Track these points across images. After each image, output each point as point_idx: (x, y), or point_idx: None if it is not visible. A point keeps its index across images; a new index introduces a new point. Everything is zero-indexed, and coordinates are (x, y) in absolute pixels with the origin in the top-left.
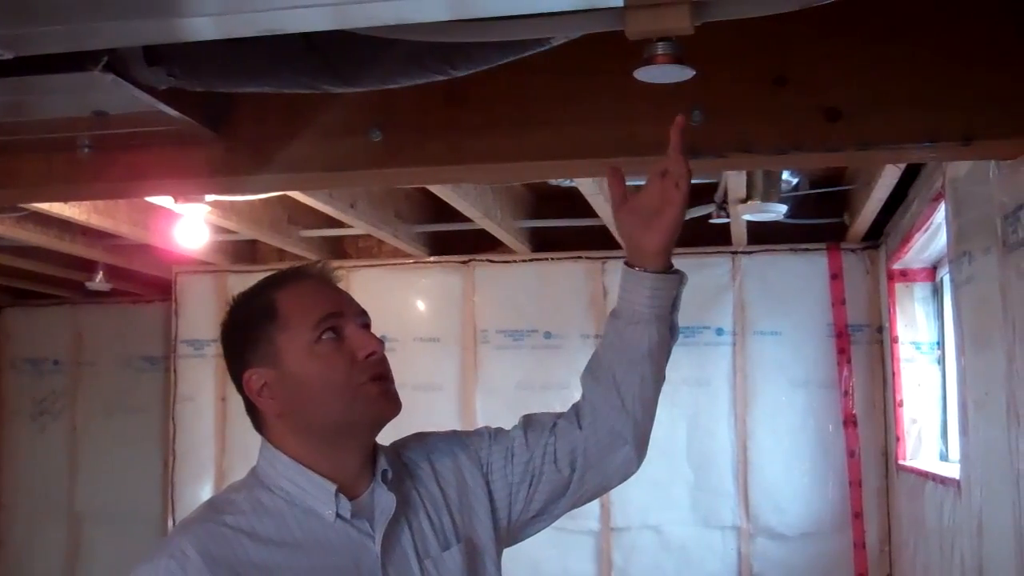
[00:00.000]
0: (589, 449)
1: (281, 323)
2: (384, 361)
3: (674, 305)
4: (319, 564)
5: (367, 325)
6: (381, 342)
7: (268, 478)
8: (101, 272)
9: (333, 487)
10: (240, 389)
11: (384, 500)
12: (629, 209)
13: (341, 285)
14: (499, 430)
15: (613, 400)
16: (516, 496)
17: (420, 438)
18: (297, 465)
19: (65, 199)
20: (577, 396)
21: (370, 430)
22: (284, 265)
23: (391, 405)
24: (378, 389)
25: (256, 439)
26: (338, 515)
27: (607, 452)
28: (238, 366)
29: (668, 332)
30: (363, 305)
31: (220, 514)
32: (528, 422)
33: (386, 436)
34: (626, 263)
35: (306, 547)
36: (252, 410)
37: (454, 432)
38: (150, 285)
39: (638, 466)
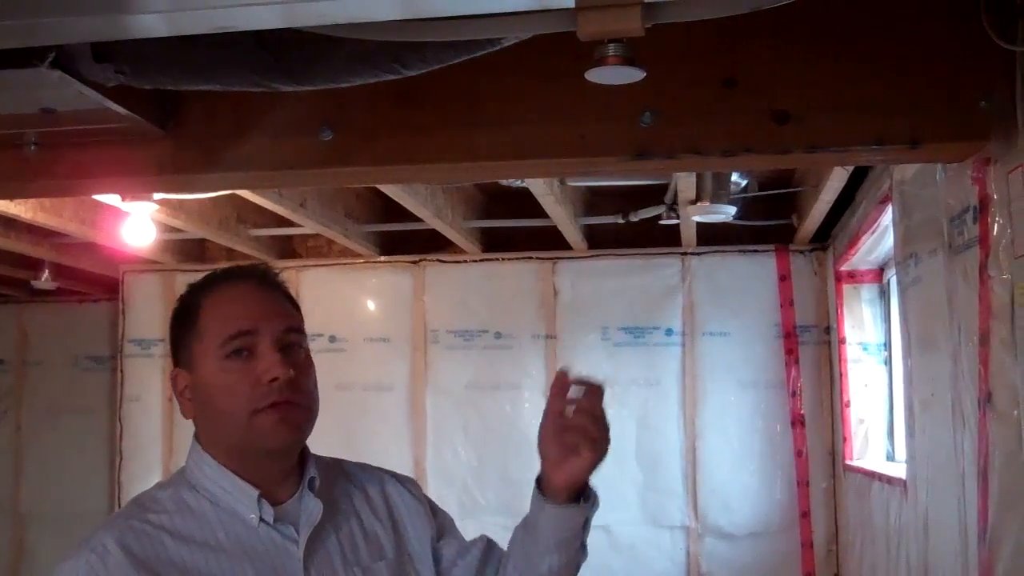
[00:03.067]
0: None
1: (198, 331)
2: (291, 385)
3: (584, 528)
4: (239, 567)
5: (292, 342)
6: (287, 368)
7: (195, 478)
8: (47, 270)
9: (255, 492)
10: None
11: (310, 507)
12: (555, 431)
13: (307, 292)
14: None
15: None
16: None
17: (370, 466)
18: (221, 468)
19: (11, 197)
20: (527, 397)
21: (267, 457)
22: (233, 264)
23: (287, 434)
24: (274, 418)
25: None
26: (262, 519)
27: None
28: (173, 360)
29: (575, 554)
30: (312, 305)
31: (144, 511)
32: (488, 553)
33: (340, 439)
34: (537, 483)
35: (228, 549)
36: None
37: (413, 481)
38: (97, 284)
39: None
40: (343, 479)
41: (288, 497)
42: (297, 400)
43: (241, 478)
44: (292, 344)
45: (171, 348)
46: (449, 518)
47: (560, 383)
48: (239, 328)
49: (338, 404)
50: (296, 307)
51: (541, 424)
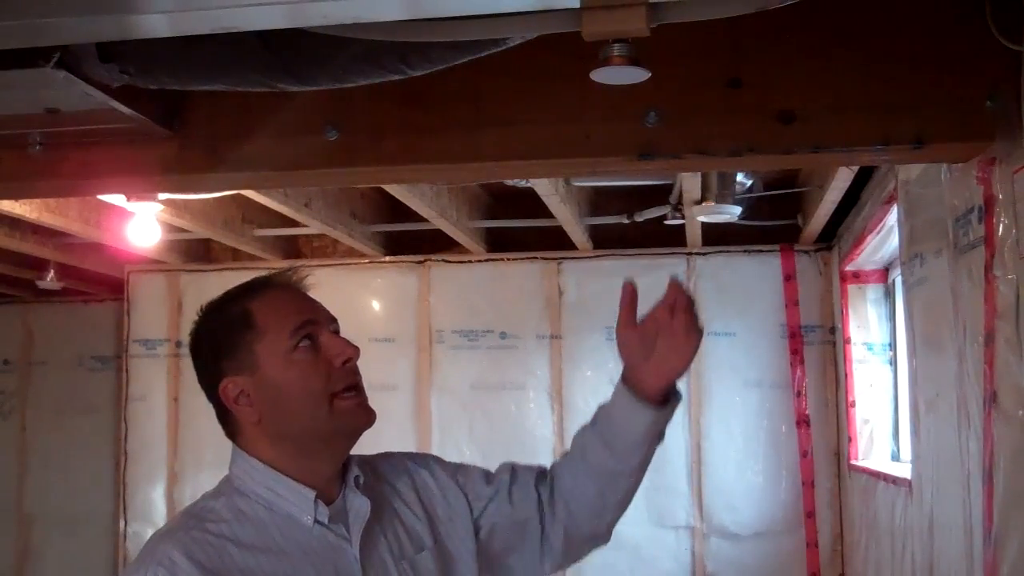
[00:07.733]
0: (565, 534)
1: (258, 332)
2: (358, 371)
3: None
4: (301, 569)
5: (337, 332)
6: (356, 348)
7: (244, 485)
8: (52, 271)
9: (312, 493)
10: (212, 397)
11: (358, 504)
12: (636, 336)
13: (312, 292)
14: (486, 473)
15: (596, 508)
16: (494, 535)
17: (391, 455)
18: (274, 472)
19: (16, 197)
20: (532, 397)
21: (346, 440)
22: (238, 264)
23: (367, 416)
24: (355, 400)
25: (209, 439)
26: (316, 520)
27: (577, 542)
28: (213, 375)
29: (657, 439)
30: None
31: (202, 522)
32: (513, 479)
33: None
34: (624, 381)
35: (288, 552)
36: (225, 418)
37: (432, 455)
38: (102, 284)
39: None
40: (376, 475)
41: (335, 496)
42: (362, 384)
43: (294, 479)
44: (338, 333)
45: (216, 360)
46: (469, 469)
47: (630, 296)
48: (304, 318)
49: None
50: None
51: (618, 333)
